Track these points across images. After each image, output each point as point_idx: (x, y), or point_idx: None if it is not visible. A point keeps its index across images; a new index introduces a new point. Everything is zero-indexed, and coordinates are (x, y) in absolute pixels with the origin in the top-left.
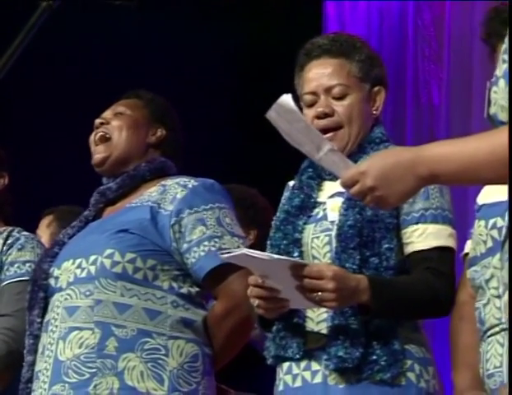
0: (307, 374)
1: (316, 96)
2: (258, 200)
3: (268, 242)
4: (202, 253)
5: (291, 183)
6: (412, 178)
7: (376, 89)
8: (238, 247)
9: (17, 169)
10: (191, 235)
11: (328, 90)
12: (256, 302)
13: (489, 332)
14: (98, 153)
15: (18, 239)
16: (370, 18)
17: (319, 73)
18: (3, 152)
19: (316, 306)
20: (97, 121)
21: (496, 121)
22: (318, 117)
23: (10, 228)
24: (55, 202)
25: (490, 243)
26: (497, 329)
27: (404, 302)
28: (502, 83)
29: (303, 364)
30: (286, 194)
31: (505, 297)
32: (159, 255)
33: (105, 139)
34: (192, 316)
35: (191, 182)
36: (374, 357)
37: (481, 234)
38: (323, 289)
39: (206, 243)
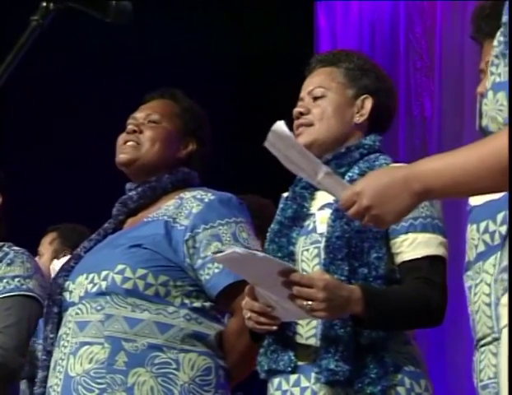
0: (296, 391)
1: (302, 101)
2: (265, 210)
3: None
4: (217, 270)
5: (285, 194)
6: (407, 195)
7: (363, 97)
8: None
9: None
10: (205, 251)
11: (310, 93)
12: (248, 314)
13: (481, 342)
14: (124, 153)
15: (7, 253)
16: (361, 32)
17: (308, 81)
18: (1, 173)
19: (307, 317)
20: (130, 127)
21: (488, 132)
22: (296, 117)
23: (1, 243)
24: (57, 219)
25: (481, 248)
26: (489, 339)
27: (398, 312)
28: (491, 95)
29: (292, 380)
30: (280, 206)
31: (503, 300)
32: (171, 271)
33: (135, 144)
34: (205, 330)
35: (208, 196)
36: (365, 370)
37: (473, 239)
38: (314, 298)
39: None
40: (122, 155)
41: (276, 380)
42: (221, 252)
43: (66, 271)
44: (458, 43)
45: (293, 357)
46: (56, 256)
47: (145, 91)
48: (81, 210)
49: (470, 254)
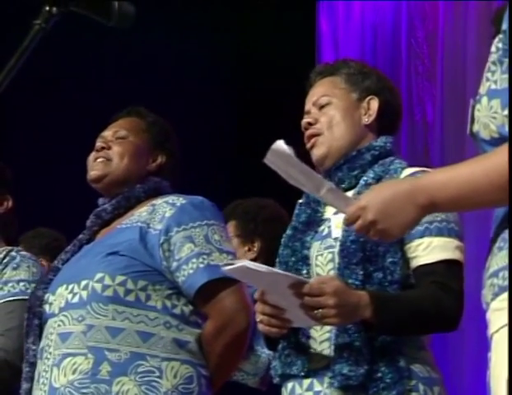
0: None
1: (308, 113)
2: (261, 212)
3: (277, 259)
4: (191, 271)
5: (301, 200)
6: (412, 209)
7: (368, 98)
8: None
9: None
10: (180, 253)
11: (315, 103)
12: (259, 317)
13: None
14: (95, 170)
15: (14, 258)
16: (363, 37)
17: (311, 93)
18: (10, 174)
19: (318, 324)
20: (98, 144)
21: (479, 139)
22: (305, 128)
23: (9, 248)
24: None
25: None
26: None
27: (409, 317)
28: (485, 101)
29: (305, 384)
30: (295, 212)
31: (493, 304)
32: (150, 275)
33: (105, 159)
34: (186, 337)
35: (179, 200)
36: (379, 374)
37: None
38: (324, 305)
39: (194, 260)
40: (92, 172)
41: (289, 384)
42: (231, 264)
43: (45, 283)
44: (460, 47)
45: (306, 362)
46: None
47: (143, 97)
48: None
49: None
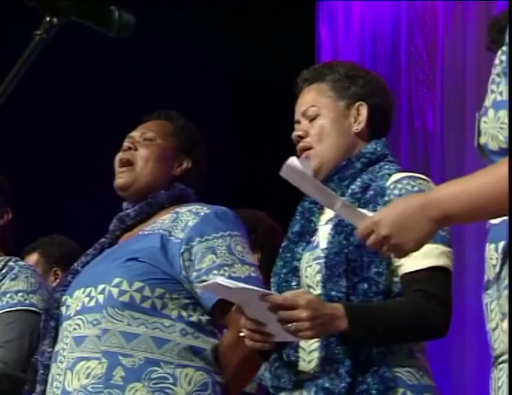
0: None
1: (299, 123)
2: (260, 224)
3: (272, 271)
4: (211, 283)
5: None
6: (426, 223)
7: (357, 104)
8: (249, 275)
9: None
10: (200, 264)
11: (304, 114)
12: (243, 332)
13: (500, 359)
14: (121, 177)
15: (12, 268)
16: (363, 45)
17: (300, 102)
18: (9, 186)
19: (295, 338)
20: (125, 144)
21: (487, 150)
22: (296, 141)
23: (7, 258)
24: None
25: (498, 268)
26: (507, 356)
27: (387, 328)
28: (491, 113)
29: None
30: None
31: (505, 324)
32: (168, 284)
33: (130, 164)
34: (201, 344)
35: (203, 209)
36: (365, 386)
37: (491, 258)
38: (298, 318)
39: (215, 271)
40: (118, 180)
41: None
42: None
43: (63, 285)
44: (460, 55)
45: (292, 375)
46: (47, 277)
47: (144, 105)
48: (77, 224)
49: (489, 273)
